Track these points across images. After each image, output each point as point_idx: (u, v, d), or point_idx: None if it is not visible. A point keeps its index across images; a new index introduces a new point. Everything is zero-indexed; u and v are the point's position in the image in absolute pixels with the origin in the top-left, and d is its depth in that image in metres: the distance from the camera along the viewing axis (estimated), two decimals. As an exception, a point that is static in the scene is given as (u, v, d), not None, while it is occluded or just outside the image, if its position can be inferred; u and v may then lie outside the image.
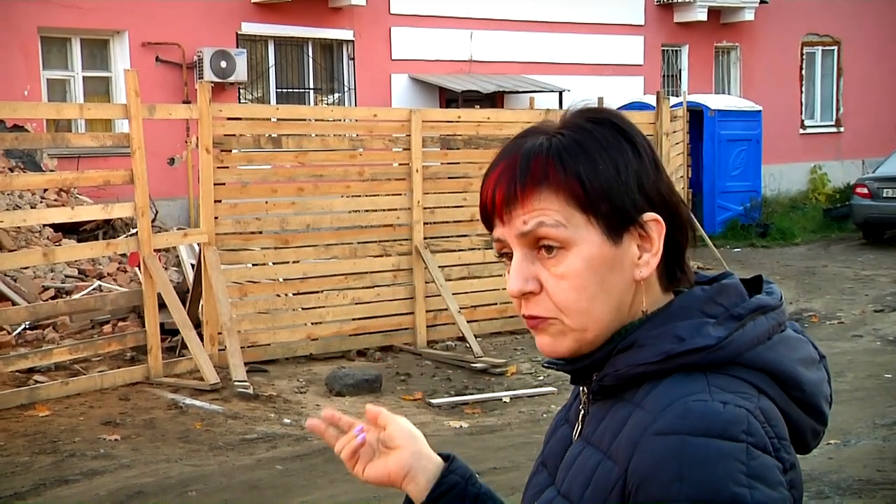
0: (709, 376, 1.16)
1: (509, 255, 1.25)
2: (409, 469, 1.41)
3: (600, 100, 13.61)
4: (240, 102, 14.79)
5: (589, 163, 1.20)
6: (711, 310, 1.21)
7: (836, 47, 22.47)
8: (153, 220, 10.22)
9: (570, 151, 1.20)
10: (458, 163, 10.60)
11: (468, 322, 9.69)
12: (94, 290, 9.94)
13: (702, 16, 19.44)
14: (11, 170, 11.48)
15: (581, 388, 1.33)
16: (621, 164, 1.21)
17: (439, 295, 9.77)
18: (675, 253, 1.26)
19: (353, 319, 9.70)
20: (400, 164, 10.14)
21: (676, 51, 20.21)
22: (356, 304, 9.71)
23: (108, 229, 11.65)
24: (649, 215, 1.21)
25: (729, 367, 1.17)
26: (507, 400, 8.08)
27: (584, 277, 1.19)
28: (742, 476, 1.08)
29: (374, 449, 1.44)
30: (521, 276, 1.22)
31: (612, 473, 1.16)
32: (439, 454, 1.45)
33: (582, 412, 1.31)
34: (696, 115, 17.09)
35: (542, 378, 8.75)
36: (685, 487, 1.08)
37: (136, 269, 9.86)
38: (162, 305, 8.40)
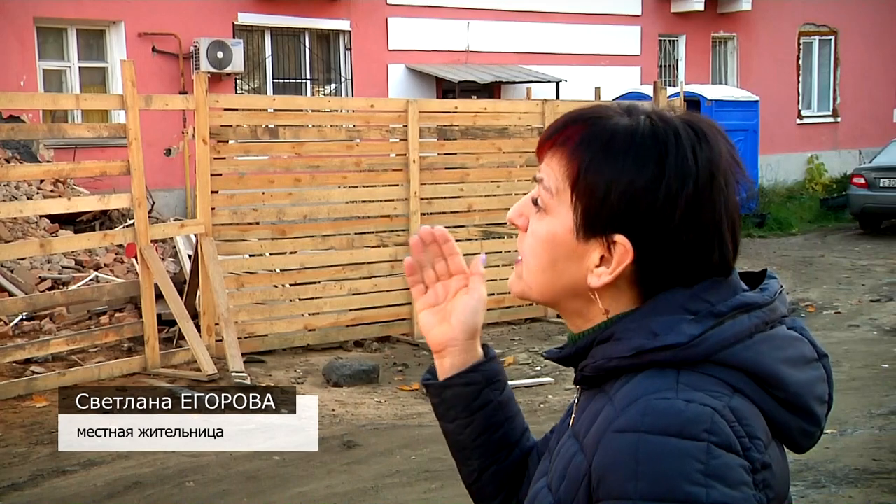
0: (680, 373, 1.15)
1: None
2: (445, 348, 1.45)
3: (597, 90, 13.59)
4: (236, 93, 14.76)
5: (602, 155, 1.19)
6: (694, 306, 1.19)
7: (833, 37, 22.44)
8: (150, 211, 10.22)
9: (598, 137, 1.21)
10: (456, 153, 10.60)
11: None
12: (91, 280, 9.94)
13: (699, 5, 19.40)
14: (8, 160, 11.46)
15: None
16: (627, 175, 1.18)
17: (437, 285, 9.76)
18: (663, 279, 1.21)
19: (351, 310, 9.70)
20: (397, 155, 10.13)
21: (673, 41, 20.18)
22: (353, 294, 9.72)
23: (104, 220, 11.65)
24: (620, 238, 1.18)
25: (703, 364, 1.16)
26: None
27: (541, 247, 1.25)
28: (699, 475, 1.06)
29: (449, 293, 1.47)
30: (518, 208, 1.29)
31: (582, 467, 1.16)
32: (484, 346, 1.48)
33: (576, 401, 1.32)
34: (694, 106, 17.06)
35: (539, 368, 8.76)
36: (640, 485, 1.07)
37: (133, 259, 9.87)
38: (159, 296, 8.40)
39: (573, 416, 1.30)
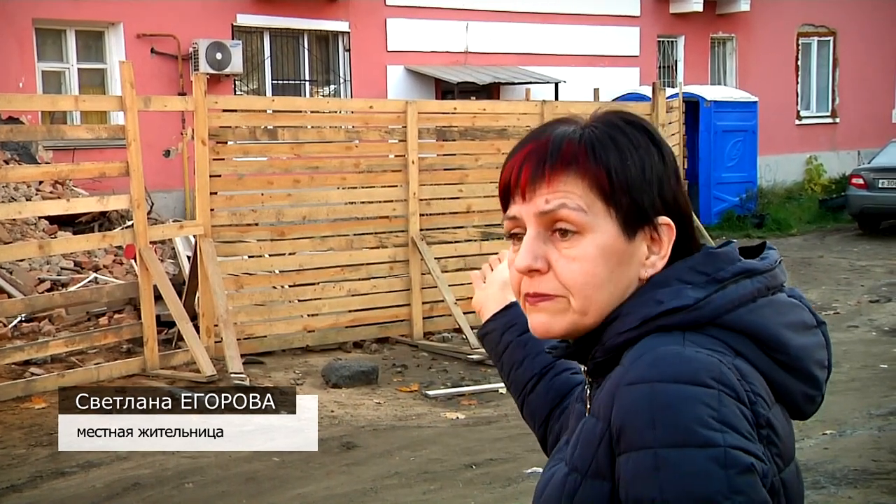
0: (686, 334, 1.18)
1: (518, 237, 1.27)
2: (483, 306, 1.74)
3: (596, 91, 13.60)
4: (235, 94, 14.75)
5: (618, 156, 1.23)
6: (691, 277, 1.23)
7: (831, 38, 22.45)
8: (149, 212, 10.21)
9: (602, 142, 1.24)
10: (455, 154, 10.59)
11: (464, 313, 9.69)
12: (90, 282, 9.94)
13: (697, 6, 19.41)
14: (7, 162, 11.46)
15: (583, 368, 1.35)
16: (647, 164, 1.25)
17: (435, 286, 9.78)
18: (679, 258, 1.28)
19: (350, 311, 9.70)
20: (396, 156, 10.13)
21: (672, 42, 20.19)
22: (352, 295, 9.71)
23: (103, 221, 11.64)
24: (663, 219, 1.25)
25: (707, 328, 1.19)
26: (503, 391, 8.08)
27: (596, 264, 1.22)
28: (713, 420, 1.09)
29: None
30: (531, 252, 1.24)
31: (597, 428, 1.18)
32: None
33: (588, 390, 1.34)
34: (692, 106, 17.08)
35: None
36: (658, 433, 1.09)
37: (132, 261, 9.86)
38: (158, 297, 8.40)
39: (588, 405, 1.32)
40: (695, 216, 1.34)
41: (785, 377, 1.22)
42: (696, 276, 1.23)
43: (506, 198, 1.29)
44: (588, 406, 1.31)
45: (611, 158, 1.23)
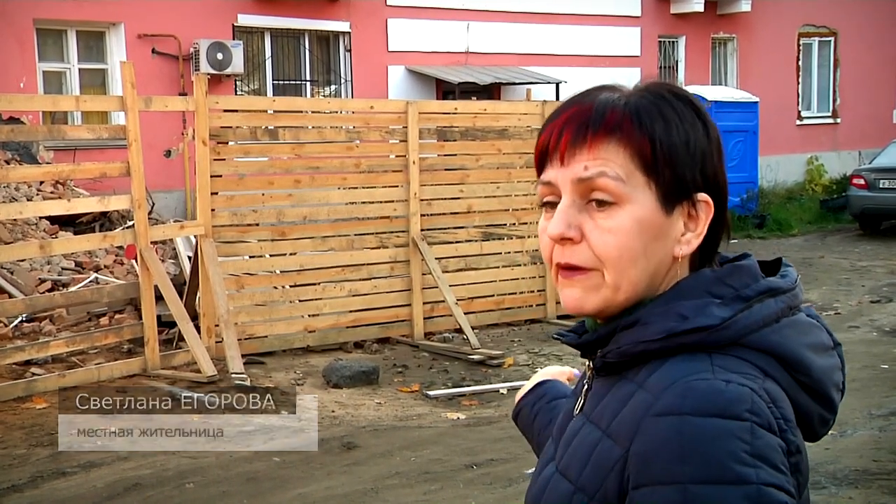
0: (713, 357, 1.15)
1: (551, 205, 1.24)
2: (519, 395, 1.81)
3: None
4: (236, 94, 14.75)
5: (664, 127, 1.20)
6: (719, 290, 1.20)
7: (832, 38, 22.44)
8: (150, 213, 10.22)
9: (648, 112, 1.21)
10: (455, 154, 10.59)
11: (465, 314, 9.70)
12: (90, 282, 9.94)
13: (698, 7, 19.40)
14: (8, 162, 11.46)
15: (587, 363, 1.33)
16: (692, 138, 1.22)
17: (436, 287, 9.77)
18: (712, 242, 1.26)
19: (350, 311, 9.70)
20: (397, 156, 10.13)
21: (673, 42, 20.18)
22: (353, 296, 9.72)
23: (104, 221, 11.64)
24: (703, 196, 1.22)
25: (733, 348, 1.16)
26: (504, 391, 8.08)
27: (631, 237, 1.19)
28: (746, 455, 1.06)
29: None
30: (565, 220, 1.21)
31: (613, 453, 1.15)
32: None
33: (585, 386, 1.31)
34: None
35: (539, 369, 8.75)
36: (688, 468, 1.06)
37: (133, 261, 9.86)
38: (159, 298, 8.40)
39: (581, 401, 1.30)
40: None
41: (805, 399, 1.20)
42: (723, 288, 1.20)
43: (542, 162, 1.25)
44: (581, 403, 1.30)
45: (657, 128, 1.19)
